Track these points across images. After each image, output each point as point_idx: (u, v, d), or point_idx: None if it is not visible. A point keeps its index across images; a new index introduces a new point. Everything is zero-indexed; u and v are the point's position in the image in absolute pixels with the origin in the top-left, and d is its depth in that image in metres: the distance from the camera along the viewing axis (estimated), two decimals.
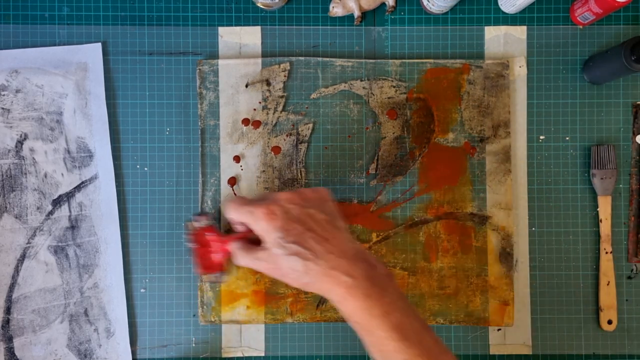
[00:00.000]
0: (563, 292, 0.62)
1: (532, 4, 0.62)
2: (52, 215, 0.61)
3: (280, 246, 0.46)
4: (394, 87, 0.61)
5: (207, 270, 0.53)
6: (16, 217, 0.60)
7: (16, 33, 0.62)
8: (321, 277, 0.45)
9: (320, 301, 0.61)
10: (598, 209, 0.62)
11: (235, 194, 0.61)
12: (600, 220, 0.61)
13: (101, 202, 0.61)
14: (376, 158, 0.61)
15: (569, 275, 0.62)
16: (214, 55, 0.62)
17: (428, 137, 0.61)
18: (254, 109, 0.61)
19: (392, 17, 0.62)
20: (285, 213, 0.46)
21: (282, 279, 0.48)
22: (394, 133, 0.61)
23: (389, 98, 0.61)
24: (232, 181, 0.61)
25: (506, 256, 0.61)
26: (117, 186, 0.61)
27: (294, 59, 0.61)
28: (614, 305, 0.61)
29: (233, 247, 0.50)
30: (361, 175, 0.61)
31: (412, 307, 0.46)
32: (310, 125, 0.61)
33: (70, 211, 0.61)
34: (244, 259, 0.49)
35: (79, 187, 0.61)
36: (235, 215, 0.49)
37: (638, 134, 0.62)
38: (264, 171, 0.61)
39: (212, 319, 0.61)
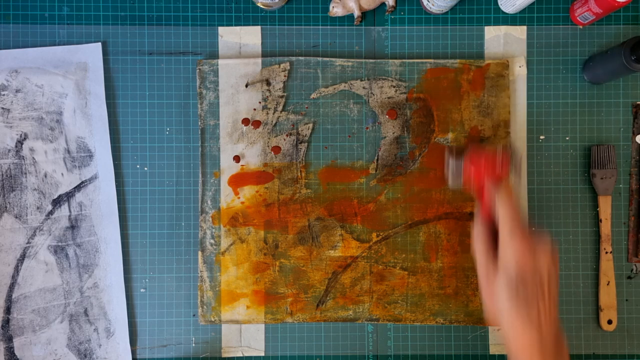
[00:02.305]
0: (563, 292, 0.62)
1: (532, 4, 0.62)
2: (52, 215, 0.61)
3: (509, 285, 0.46)
4: (394, 87, 0.61)
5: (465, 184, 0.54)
6: (16, 217, 0.60)
7: (16, 33, 0.62)
8: (517, 323, 0.46)
9: (320, 301, 0.61)
10: (598, 209, 0.62)
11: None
12: (600, 220, 0.61)
13: (101, 202, 0.61)
14: (376, 158, 0.61)
15: (568, 275, 0.62)
16: (214, 55, 0.62)
17: (428, 137, 0.61)
18: (254, 109, 0.61)
19: (392, 17, 0.62)
20: (534, 262, 0.47)
21: (482, 293, 0.50)
22: (394, 133, 0.61)
23: (389, 98, 0.61)
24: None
25: None
26: (117, 186, 0.61)
27: (294, 58, 0.61)
28: (614, 305, 0.61)
29: (475, 226, 0.51)
30: (361, 175, 0.61)
31: None
32: (310, 125, 0.61)
33: (70, 211, 0.61)
34: (477, 245, 0.50)
35: (78, 187, 0.61)
36: (502, 215, 0.49)
37: (638, 134, 0.62)
38: (264, 171, 0.61)
39: (212, 319, 0.61)
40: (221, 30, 0.62)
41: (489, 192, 0.51)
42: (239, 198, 0.61)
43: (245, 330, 0.62)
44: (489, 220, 0.51)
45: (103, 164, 0.61)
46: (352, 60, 0.61)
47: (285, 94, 0.61)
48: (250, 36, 0.62)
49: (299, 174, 0.61)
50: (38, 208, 0.61)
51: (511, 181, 0.53)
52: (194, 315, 0.62)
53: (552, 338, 0.46)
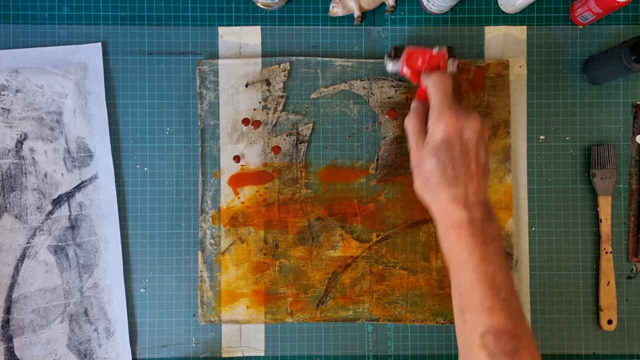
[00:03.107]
0: (563, 292, 0.62)
1: (532, 4, 0.62)
2: (52, 215, 0.61)
3: (436, 151, 0.47)
4: (394, 87, 0.61)
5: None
6: (16, 217, 0.60)
7: (16, 33, 0.62)
8: (444, 199, 0.47)
9: (320, 301, 0.61)
10: (598, 209, 0.62)
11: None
12: (600, 220, 0.61)
13: (101, 202, 0.61)
14: (376, 158, 0.61)
15: (569, 275, 0.62)
16: (214, 55, 0.62)
17: None
18: (254, 109, 0.61)
19: (392, 17, 0.62)
20: (461, 131, 0.48)
21: (413, 172, 0.51)
22: (394, 133, 0.61)
23: (389, 98, 0.61)
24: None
25: (506, 256, 0.61)
26: (117, 186, 0.61)
27: (294, 58, 0.61)
28: (614, 305, 0.61)
29: (413, 103, 0.53)
30: (361, 175, 0.61)
31: (510, 271, 0.48)
32: (310, 125, 0.61)
33: (70, 211, 0.61)
34: (409, 121, 0.52)
35: (78, 187, 0.61)
36: (434, 88, 0.50)
37: (638, 133, 0.62)
38: (264, 171, 0.61)
39: (212, 319, 0.61)
40: (221, 30, 0.62)
41: (423, 80, 0.53)
42: (239, 198, 0.61)
43: (245, 330, 0.62)
44: (424, 102, 0.52)
45: (103, 164, 0.61)
46: (352, 60, 0.61)
47: (285, 94, 0.61)
48: (250, 36, 0.62)
49: (299, 174, 0.61)
50: (38, 208, 0.61)
51: (449, 72, 0.55)
52: (194, 315, 0.62)
53: (481, 215, 0.47)
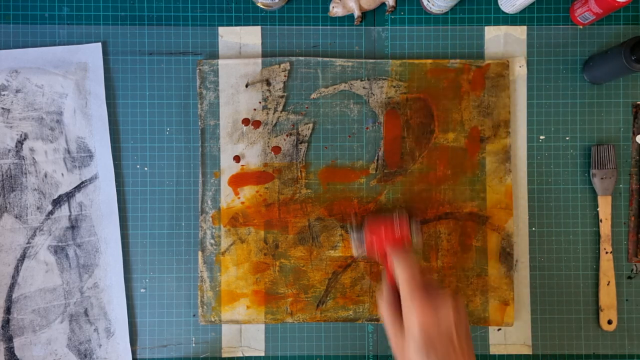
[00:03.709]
0: (563, 292, 0.62)
1: (532, 4, 0.62)
2: (52, 215, 0.61)
3: (419, 352, 0.45)
4: (394, 87, 0.61)
5: (369, 254, 0.55)
6: (16, 217, 0.60)
7: (16, 33, 0.62)
8: None
9: (320, 301, 0.61)
10: (598, 209, 0.62)
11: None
12: (601, 220, 0.61)
13: (101, 202, 0.61)
14: (376, 158, 0.61)
15: (569, 275, 0.62)
16: (214, 55, 0.62)
17: (428, 137, 0.61)
18: (254, 109, 0.61)
19: (392, 17, 0.62)
20: (438, 320, 0.46)
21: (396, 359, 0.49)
22: (394, 133, 0.61)
23: (389, 98, 0.61)
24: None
25: (506, 256, 0.61)
26: (117, 186, 0.61)
27: (294, 59, 0.61)
28: (614, 305, 0.61)
29: (382, 292, 0.51)
30: (361, 175, 0.61)
31: None
32: (310, 125, 0.61)
33: (70, 211, 0.61)
34: (383, 310, 0.50)
35: (79, 187, 0.61)
36: (401, 278, 0.48)
37: (638, 133, 0.62)
38: (264, 171, 0.61)
39: (212, 319, 0.61)
40: (221, 30, 0.62)
41: (390, 258, 0.51)
42: (239, 198, 0.61)
43: (245, 330, 0.62)
44: (394, 285, 0.51)
45: (103, 164, 0.61)
46: (352, 60, 0.61)
47: (285, 94, 0.61)
48: (250, 36, 0.62)
49: (299, 174, 0.61)
50: (38, 208, 0.61)
51: (414, 244, 0.54)
52: (194, 315, 0.62)
53: None
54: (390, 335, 0.49)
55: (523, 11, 0.62)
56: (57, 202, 0.61)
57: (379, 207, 0.60)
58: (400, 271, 0.49)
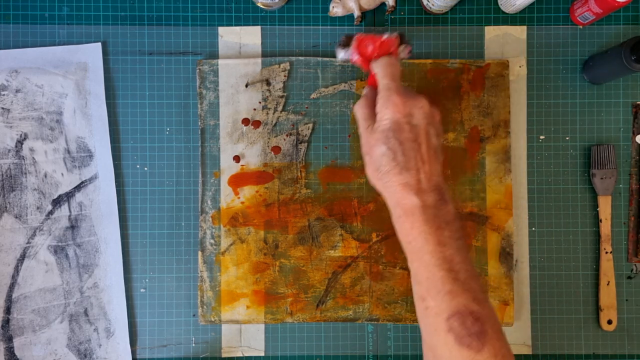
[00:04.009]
0: (563, 292, 0.62)
1: (532, 4, 0.62)
2: (52, 215, 0.61)
3: (385, 135, 0.46)
4: None
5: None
6: (16, 217, 0.60)
7: (16, 33, 0.62)
8: (396, 185, 0.46)
9: (320, 301, 0.61)
10: (598, 209, 0.62)
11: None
12: (600, 220, 0.61)
13: (101, 202, 0.61)
14: None
15: (569, 275, 0.62)
16: (214, 55, 0.62)
17: None
18: (254, 109, 0.61)
19: (392, 17, 0.62)
20: (409, 116, 0.47)
21: (364, 159, 0.49)
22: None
23: None
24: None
25: (506, 256, 0.61)
26: (117, 186, 0.61)
27: (294, 58, 0.61)
28: (614, 305, 0.61)
29: (364, 89, 0.51)
30: (361, 175, 0.61)
31: (468, 253, 0.46)
32: (310, 125, 0.61)
33: (70, 211, 0.61)
34: (358, 108, 0.50)
35: (78, 187, 0.61)
36: (382, 73, 0.49)
37: (638, 133, 0.62)
38: (264, 171, 0.61)
39: (212, 319, 0.61)
40: (221, 30, 0.62)
41: (373, 67, 0.51)
42: (239, 198, 0.61)
43: (245, 330, 0.62)
44: (375, 88, 0.51)
45: (103, 164, 0.61)
46: None
47: (285, 94, 0.61)
48: (250, 36, 0.62)
49: (299, 174, 0.61)
50: (38, 208, 0.61)
51: (400, 58, 0.54)
52: (194, 315, 0.62)
53: (434, 200, 0.46)
54: (360, 125, 0.49)
55: (523, 11, 0.62)
56: (57, 202, 0.61)
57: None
58: (381, 70, 0.49)
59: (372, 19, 0.62)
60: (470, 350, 0.42)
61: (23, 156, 0.61)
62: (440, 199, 0.46)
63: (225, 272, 0.61)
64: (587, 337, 0.62)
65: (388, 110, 0.47)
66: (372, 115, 0.49)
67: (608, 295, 0.61)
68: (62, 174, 0.61)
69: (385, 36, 0.53)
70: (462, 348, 0.42)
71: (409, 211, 0.46)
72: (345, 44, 0.54)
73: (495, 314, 0.45)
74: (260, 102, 0.61)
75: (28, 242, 0.61)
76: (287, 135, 0.61)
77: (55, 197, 0.61)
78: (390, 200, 0.48)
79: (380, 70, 0.50)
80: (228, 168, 0.61)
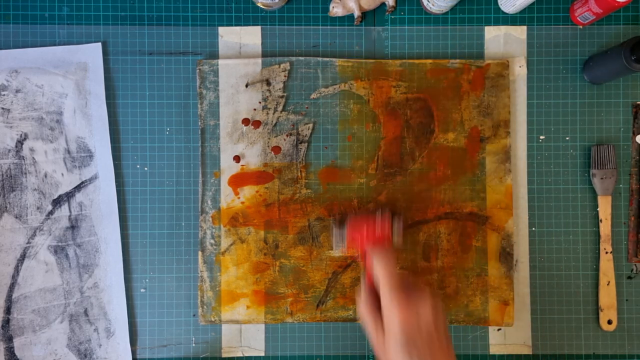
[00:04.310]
0: (563, 292, 0.62)
1: (532, 4, 0.62)
2: (52, 215, 0.61)
3: (401, 351, 0.45)
4: (394, 87, 0.61)
5: (349, 251, 0.55)
6: (16, 217, 0.60)
7: (16, 33, 0.62)
8: None
9: (320, 301, 0.61)
10: (598, 209, 0.62)
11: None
12: (600, 220, 0.61)
13: (101, 202, 0.61)
14: (376, 158, 0.61)
15: (569, 275, 0.62)
16: (214, 55, 0.62)
17: (428, 137, 0.61)
18: (254, 109, 0.61)
19: (392, 17, 0.62)
20: (418, 315, 0.46)
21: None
22: (394, 133, 0.61)
23: (389, 98, 0.61)
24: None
25: (506, 256, 0.61)
26: (117, 186, 0.61)
27: (294, 59, 0.61)
28: (614, 305, 0.61)
29: (361, 292, 0.51)
30: (361, 175, 0.61)
31: None
32: (310, 125, 0.61)
33: (70, 211, 0.61)
34: (362, 309, 0.50)
35: (79, 187, 0.61)
36: (380, 276, 0.49)
37: (638, 133, 0.62)
38: (264, 171, 0.61)
39: (212, 319, 0.61)
40: (221, 30, 0.62)
41: (369, 257, 0.51)
42: (239, 198, 0.61)
43: (245, 330, 0.62)
44: (372, 285, 0.50)
45: (103, 164, 0.61)
46: (352, 60, 0.61)
47: (285, 94, 0.61)
48: (250, 36, 0.62)
49: (299, 174, 0.61)
50: (38, 208, 0.61)
51: (395, 243, 0.54)
52: (194, 315, 0.62)
53: None
54: (371, 335, 0.49)
55: (523, 11, 0.62)
56: (57, 202, 0.61)
57: (362, 205, 0.60)
58: (379, 269, 0.49)
59: (372, 18, 0.63)
60: None
61: (23, 156, 0.61)
62: None
63: (225, 272, 0.61)
64: (587, 337, 0.62)
65: (394, 316, 0.46)
66: (378, 317, 0.48)
67: (608, 295, 0.61)
68: (62, 174, 0.61)
69: (378, 215, 0.54)
70: None
71: None
72: (340, 223, 0.56)
73: None
74: (260, 102, 0.61)
75: (28, 242, 0.61)
76: (287, 135, 0.61)
77: (55, 197, 0.61)
78: None
79: (376, 269, 0.49)
80: (228, 168, 0.61)
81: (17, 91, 0.60)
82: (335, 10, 0.60)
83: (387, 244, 0.53)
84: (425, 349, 0.46)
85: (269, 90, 0.61)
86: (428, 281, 0.60)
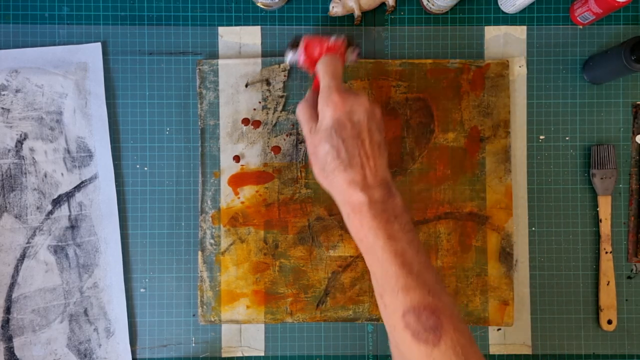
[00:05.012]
0: (563, 292, 0.62)
1: (532, 3, 0.62)
2: (51, 215, 0.61)
3: (328, 134, 0.46)
4: (394, 87, 0.61)
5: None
6: (16, 217, 0.60)
7: (16, 33, 0.62)
8: (342, 183, 0.46)
9: (320, 301, 0.61)
10: (598, 209, 0.62)
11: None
12: (600, 220, 0.61)
13: (101, 202, 0.61)
14: None
15: (569, 275, 0.62)
16: (214, 55, 0.62)
17: (428, 137, 0.61)
18: (254, 109, 0.61)
19: (392, 17, 0.62)
20: (350, 113, 0.47)
21: (310, 159, 0.49)
22: (393, 133, 0.61)
23: (388, 98, 0.61)
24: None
25: (506, 256, 0.61)
26: (117, 186, 0.61)
27: None
28: (614, 305, 0.61)
29: (307, 94, 0.52)
30: None
31: (420, 244, 0.46)
32: None
33: (70, 211, 0.61)
34: (300, 109, 0.50)
35: (78, 187, 0.61)
36: (322, 72, 0.49)
37: (638, 133, 0.62)
38: (264, 171, 0.61)
39: (212, 319, 0.61)
40: (221, 30, 0.62)
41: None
42: (238, 198, 0.61)
43: (245, 330, 0.62)
44: (318, 90, 0.51)
45: (103, 164, 0.61)
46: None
47: (285, 94, 0.61)
48: (250, 36, 0.62)
49: (299, 174, 0.61)
50: (38, 208, 0.61)
51: (347, 61, 0.54)
52: (194, 315, 0.62)
53: (381, 195, 0.46)
54: (304, 127, 0.49)
55: (523, 11, 0.62)
56: (56, 202, 0.61)
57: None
58: (323, 69, 0.49)
59: (372, 18, 0.62)
60: (428, 345, 0.42)
61: (23, 156, 0.61)
62: (387, 192, 0.46)
63: (225, 272, 0.61)
64: (587, 337, 0.62)
65: (329, 108, 0.47)
66: (315, 116, 0.49)
67: (608, 295, 0.61)
68: (62, 174, 0.61)
69: (332, 39, 0.53)
70: (419, 344, 0.42)
71: (357, 208, 0.45)
72: (294, 45, 0.55)
73: (452, 304, 0.44)
74: (260, 102, 0.61)
75: (28, 242, 0.61)
76: (287, 135, 0.61)
77: (55, 197, 0.61)
78: (338, 199, 0.47)
79: (321, 68, 0.50)
80: (228, 168, 0.61)
81: (17, 91, 0.60)
82: (335, 10, 0.60)
83: (338, 55, 0.53)
84: (350, 142, 0.46)
85: (268, 90, 0.61)
86: None
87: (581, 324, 0.62)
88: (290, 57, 0.55)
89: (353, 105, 0.47)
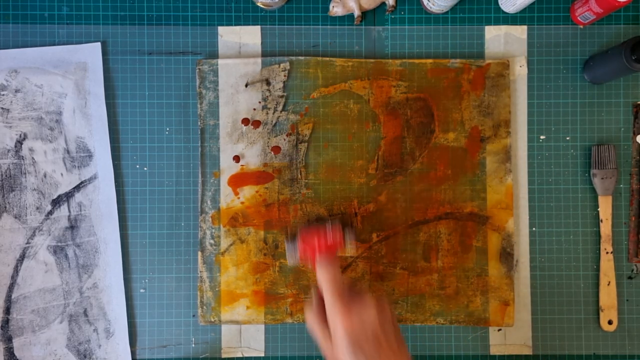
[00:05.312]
0: (563, 292, 0.62)
1: (533, 3, 0.62)
2: (51, 215, 0.60)
3: (349, 353, 0.46)
4: (394, 87, 0.61)
5: (302, 261, 0.56)
6: (15, 217, 0.60)
7: (16, 33, 0.62)
8: None
9: None
10: (598, 209, 0.62)
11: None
12: (601, 220, 0.61)
13: (100, 202, 0.61)
14: (376, 158, 0.61)
15: (569, 275, 0.62)
16: (214, 55, 0.62)
17: (428, 137, 0.61)
18: (254, 109, 0.61)
19: (392, 16, 0.62)
20: (361, 322, 0.47)
21: None
22: (394, 133, 0.61)
23: (389, 98, 0.61)
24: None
25: (506, 256, 0.61)
26: (116, 186, 0.61)
27: (293, 58, 0.61)
28: (615, 305, 0.61)
29: (312, 291, 0.52)
30: (361, 175, 0.61)
31: None
32: (310, 125, 0.61)
33: (69, 211, 0.61)
34: (309, 316, 0.50)
35: (78, 187, 0.61)
36: (322, 281, 0.49)
37: (638, 133, 0.62)
38: (264, 171, 0.61)
39: (212, 319, 0.61)
40: (221, 30, 0.62)
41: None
42: (238, 198, 0.61)
43: (245, 331, 0.62)
44: (321, 293, 0.51)
45: (103, 164, 0.61)
46: (352, 60, 0.61)
47: (285, 94, 0.61)
48: (250, 36, 0.62)
49: (299, 174, 0.61)
50: (37, 208, 0.60)
51: (347, 251, 0.56)
52: (193, 315, 0.62)
53: None
54: (319, 341, 0.49)
55: (523, 11, 0.62)
56: (56, 202, 0.61)
57: (314, 217, 0.61)
58: (322, 278, 0.49)
59: (372, 18, 0.62)
60: None
61: (22, 156, 0.60)
62: None
63: (225, 273, 0.61)
64: (587, 337, 0.62)
65: (337, 323, 0.47)
66: (324, 322, 0.49)
67: (608, 295, 0.61)
68: (62, 174, 0.61)
69: (328, 227, 0.55)
70: None
71: None
72: (292, 239, 0.57)
73: None
74: (260, 102, 0.61)
75: (27, 242, 0.60)
76: (287, 135, 0.61)
77: (55, 197, 0.61)
78: None
79: (320, 277, 0.50)
80: (228, 168, 0.61)
81: (17, 91, 0.60)
82: (335, 9, 0.60)
83: (332, 254, 0.54)
84: (373, 351, 0.46)
85: (268, 90, 0.61)
86: (380, 288, 0.61)
87: (582, 324, 0.62)
88: (290, 259, 0.57)
89: (360, 310, 0.47)
